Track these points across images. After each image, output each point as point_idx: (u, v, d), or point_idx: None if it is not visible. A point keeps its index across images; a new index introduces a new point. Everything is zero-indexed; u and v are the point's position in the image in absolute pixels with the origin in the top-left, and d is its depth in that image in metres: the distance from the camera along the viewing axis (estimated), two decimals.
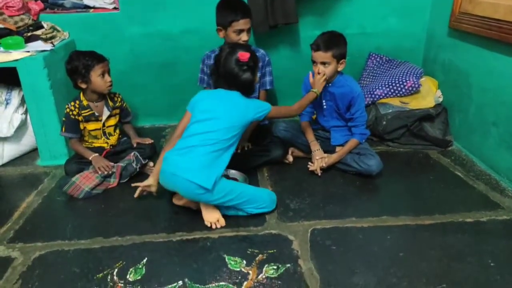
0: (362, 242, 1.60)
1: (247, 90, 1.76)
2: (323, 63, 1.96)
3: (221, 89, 1.75)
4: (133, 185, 1.86)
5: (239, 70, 1.69)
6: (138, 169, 2.08)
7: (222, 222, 1.71)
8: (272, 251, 1.55)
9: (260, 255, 1.53)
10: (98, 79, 1.98)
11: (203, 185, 1.58)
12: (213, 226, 1.70)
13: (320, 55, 1.94)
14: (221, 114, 1.67)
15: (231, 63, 1.69)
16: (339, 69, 2.01)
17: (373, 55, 2.73)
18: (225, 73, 1.71)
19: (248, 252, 1.55)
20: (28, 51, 2.15)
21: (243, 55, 1.68)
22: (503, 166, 2.02)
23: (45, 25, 2.43)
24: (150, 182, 1.80)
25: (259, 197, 1.75)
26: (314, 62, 1.99)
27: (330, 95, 2.11)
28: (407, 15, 2.66)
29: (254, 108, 1.72)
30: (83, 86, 2.00)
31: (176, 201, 1.83)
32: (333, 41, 1.95)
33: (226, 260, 1.51)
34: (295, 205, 1.86)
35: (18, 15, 2.36)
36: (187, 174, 1.59)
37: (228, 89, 1.73)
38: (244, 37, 2.11)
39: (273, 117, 1.87)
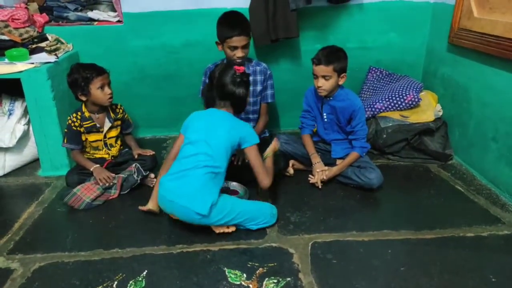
0: (362, 255, 1.59)
1: (240, 105, 1.78)
2: (324, 77, 1.98)
3: (214, 108, 1.77)
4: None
5: (234, 84, 1.72)
6: (139, 181, 2.08)
7: (233, 227, 1.73)
8: (273, 264, 1.54)
9: (261, 269, 1.52)
10: (97, 92, 2.00)
11: (199, 211, 1.59)
12: (225, 231, 1.72)
13: (322, 69, 1.97)
14: (212, 136, 1.68)
15: (227, 76, 1.72)
16: (340, 83, 2.04)
17: (373, 69, 2.76)
18: (220, 87, 1.73)
19: (249, 265, 1.54)
20: (32, 63, 2.17)
21: (239, 68, 1.74)
22: (503, 181, 2.02)
23: (49, 37, 2.46)
24: (149, 206, 1.83)
25: (259, 213, 1.75)
26: (315, 76, 2.02)
27: (331, 109, 2.13)
28: (407, 30, 2.70)
29: (244, 135, 1.71)
30: (83, 98, 2.01)
31: (174, 216, 1.82)
32: (334, 56, 1.97)
33: (226, 273, 1.50)
34: (295, 218, 1.86)
35: (24, 27, 2.40)
36: (183, 201, 1.60)
37: (222, 104, 1.75)
38: (238, 53, 2.13)
39: (251, 160, 1.73)
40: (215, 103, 1.78)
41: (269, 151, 1.90)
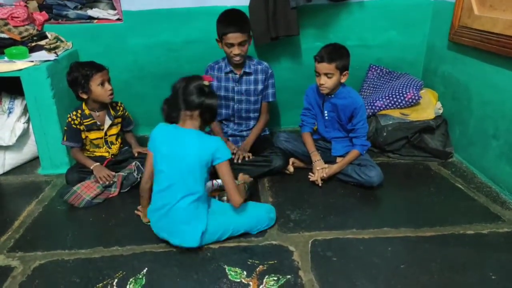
0: (363, 253, 1.59)
1: (211, 116, 1.63)
2: (327, 75, 1.98)
3: (178, 126, 1.61)
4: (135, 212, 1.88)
5: (203, 94, 1.56)
6: (139, 179, 2.08)
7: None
8: (273, 262, 1.54)
9: (261, 266, 1.52)
10: (98, 88, 2.00)
11: (191, 245, 1.58)
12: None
13: (324, 67, 1.97)
14: (182, 163, 1.55)
15: (195, 86, 1.57)
16: (342, 80, 2.04)
17: (374, 66, 2.76)
18: (189, 101, 1.56)
19: (249, 263, 1.54)
20: (32, 61, 2.17)
21: (208, 77, 1.59)
22: (504, 179, 2.02)
23: (49, 35, 2.46)
24: (146, 220, 1.78)
25: (256, 222, 1.71)
26: (317, 73, 2.02)
27: (332, 106, 2.13)
28: (408, 27, 2.70)
29: (215, 152, 1.56)
30: (84, 96, 2.01)
31: None
32: (336, 53, 1.97)
33: (227, 271, 1.50)
34: (295, 216, 1.86)
35: (23, 25, 2.39)
36: (174, 239, 1.60)
37: (189, 114, 1.58)
38: (235, 50, 2.12)
39: (222, 176, 1.61)
40: (178, 116, 1.60)
41: (240, 179, 1.87)
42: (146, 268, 1.52)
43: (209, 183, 2.05)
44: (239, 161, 2.15)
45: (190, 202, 1.56)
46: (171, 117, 1.62)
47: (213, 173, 1.64)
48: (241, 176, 1.90)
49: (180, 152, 1.56)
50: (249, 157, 2.21)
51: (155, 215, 1.64)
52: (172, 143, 1.59)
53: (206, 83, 1.58)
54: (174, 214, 1.57)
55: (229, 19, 2.11)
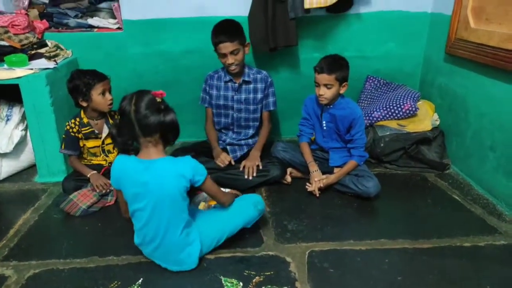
0: (360, 265, 1.59)
1: (175, 134, 1.45)
2: (326, 86, 2.00)
3: (142, 159, 1.44)
4: None
5: (160, 112, 1.38)
6: None
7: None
8: (269, 273, 1.53)
9: (257, 277, 1.51)
10: (98, 98, 2.00)
11: (190, 268, 1.55)
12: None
13: (324, 78, 1.98)
14: (160, 199, 1.43)
15: (148, 110, 1.36)
16: (341, 91, 2.05)
17: (371, 78, 2.78)
18: (146, 126, 1.37)
19: (245, 273, 1.53)
20: (31, 69, 2.18)
21: (157, 93, 1.39)
22: (500, 191, 2.02)
23: (49, 43, 2.47)
24: None
25: (248, 218, 1.68)
26: (317, 84, 2.03)
27: (330, 117, 2.14)
28: (405, 39, 2.72)
29: (192, 175, 1.44)
30: (84, 104, 2.02)
31: None
32: (336, 65, 1.99)
33: (223, 281, 1.49)
34: (292, 226, 1.85)
35: (23, 33, 2.41)
36: (174, 267, 1.55)
37: (148, 141, 1.42)
38: (228, 60, 2.14)
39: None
40: (137, 143, 1.45)
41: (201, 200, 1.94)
42: (142, 279, 1.51)
43: (204, 194, 2.04)
44: (251, 176, 2.14)
45: (179, 232, 1.48)
46: (127, 145, 1.45)
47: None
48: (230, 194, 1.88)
49: (155, 188, 1.41)
50: (258, 166, 2.20)
51: (148, 248, 1.55)
52: (141, 180, 1.41)
53: (158, 99, 1.39)
54: (167, 247, 1.50)
55: (219, 30, 2.13)
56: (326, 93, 2.01)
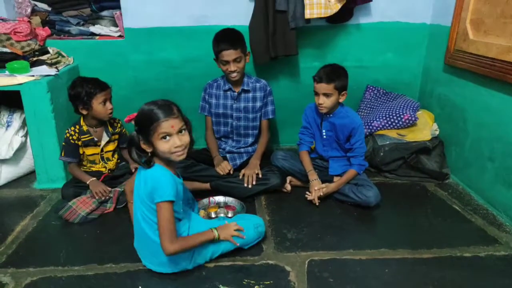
0: (359, 274, 1.58)
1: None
2: (325, 95, 2.01)
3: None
4: None
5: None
6: None
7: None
8: (269, 282, 1.52)
9: (257, 286, 1.50)
10: (99, 107, 2.01)
11: (171, 271, 1.54)
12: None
13: (323, 87, 1.99)
14: (138, 191, 1.52)
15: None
16: (340, 100, 2.06)
17: (371, 87, 2.80)
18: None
19: (244, 282, 1.52)
20: (33, 75, 2.18)
21: (129, 117, 1.50)
22: (500, 201, 2.03)
23: (50, 50, 2.48)
24: None
25: (246, 240, 1.65)
26: (316, 93, 2.04)
27: (330, 126, 2.14)
28: (404, 50, 2.75)
29: (149, 186, 1.46)
30: (84, 112, 2.02)
31: None
32: (335, 74, 2.00)
33: None
34: (292, 235, 1.85)
35: (26, 40, 2.42)
36: (158, 268, 1.56)
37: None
38: (230, 67, 2.15)
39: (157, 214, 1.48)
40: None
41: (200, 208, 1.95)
42: (140, 287, 1.49)
43: (205, 200, 2.05)
44: (251, 185, 2.13)
45: (152, 233, 1.49)
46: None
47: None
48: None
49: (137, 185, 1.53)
50: (258, 174, 2.19)
51: (135, 239, 1.63)
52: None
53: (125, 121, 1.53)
54: (146, 242, 1.53)
55: (222, 38, 2.15)
56: (325, 102, 2.02)
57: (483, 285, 1.52)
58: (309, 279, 1.54)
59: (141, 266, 1.61)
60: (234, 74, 2.19)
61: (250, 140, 2.41)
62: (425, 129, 2.49)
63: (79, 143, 2.07)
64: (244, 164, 2.31)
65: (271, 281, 1.53)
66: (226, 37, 2.15)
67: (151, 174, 1.47)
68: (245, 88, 2.30)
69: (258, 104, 2.34)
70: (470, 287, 1.51)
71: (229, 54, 2.12)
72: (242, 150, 2.40)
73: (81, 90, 1.97)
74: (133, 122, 1.48)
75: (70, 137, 2.04)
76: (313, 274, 1.57)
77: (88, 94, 1.97)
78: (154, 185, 1.44)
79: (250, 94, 2.32)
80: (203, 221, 1.73)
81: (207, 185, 2.17)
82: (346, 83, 2.04)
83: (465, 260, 1.67)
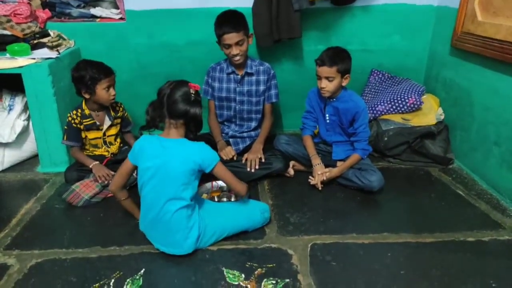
0: (362, 258, 1.58)
1: (196, 126, 1.59)
2: (328, 78, 1.98)
3: (161, 137, 1.57)
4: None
5: (189, 102, 1.53)
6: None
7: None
8: (271, 265, 1.53)
9: (259, 269, 1.51)
10: (103, 92, 1.99)
11: (185, 252, 1.56)
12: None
13: (325, 70, 1.96)
14: (166, 174, 1.52)
15: (180, 93, 1.53)
16: (343, 84, 2.03)
17: (375, 71, 2.76)
18: (172, 104, 1.52)
19: (247, 265, 1.53)
20: (34, 58, 2.16)
21: (194, 85, 1.56)
22: (505, 186, 2.01)
23: (51, 33, 2.45)
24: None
25: (252, 222, 1.72)
26: (318, 77, 2.01)
27: (334, 110, 2.12)
28: (410, 33, 2.69)
29: (202, 160, 1.53)
30: (87, 96, 2.00)
31: None
32: (338, 57, 1.96)
33: (225, 273, 1.49)
34: (295, 219, 1.85)
35: (26, 22, 2.39)
36: (169, 249, 1.58)
37: (173, 123, 1.55)
38: (233, 51, 2.12)
39: (221, 177, 1.63)
40: (163, 122, 1.59)
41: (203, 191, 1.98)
42: (144, 269, 1.51)
43: (208, 184, 2.04)
44: (254, 169, 2.12)
45: (178, 208, 1.51)
46: (155, 121, 1.58)
47: (212, 175, 1.63)
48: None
49: (162, 163, 1.51)
50: (261, 158, 2.18)
51: (146, 227, 1.64)
52: (153, 154, 1.54)
53: (192, 90, 1.54)
54: (163, 221, 1.54)
55: (224, 20, 2.11)
56: (327, 86, 1.99)
57: (486, 269, 1.52)
58: (312, 263, 1.55)
59: (145, 248, 1.62)
60: (237, 58, 2.16)
61: (253, 124, 2.39)
62: (430, 113, 2.46)
63: (81, 127, 2.06)
64: (247, 149, 2.30)
65: (274, 264, 1.53)
66: (228, 20, 2.10)
67: (189, 145, 1.55)
68: (249, 71, 2.27)
69: (262, 87, 2.31)
70: (473, 271, 1.51)
71: (231, 37, 2.08)
72: (245, 134, 2.39)
73: (85, 74, 1.94)
74: (194, 90, 1.55)
75: (72, 121, 2.03)
76: (315, 257, 1.58)
77: (93, 78, 1.94)
78: (202, 155, 1.54)
79: (254, 78, 2.29)
80: (213, 205, 1.76)
81: None
82: (349, 67, 2.00)
83: (468, 245, 1.67)
